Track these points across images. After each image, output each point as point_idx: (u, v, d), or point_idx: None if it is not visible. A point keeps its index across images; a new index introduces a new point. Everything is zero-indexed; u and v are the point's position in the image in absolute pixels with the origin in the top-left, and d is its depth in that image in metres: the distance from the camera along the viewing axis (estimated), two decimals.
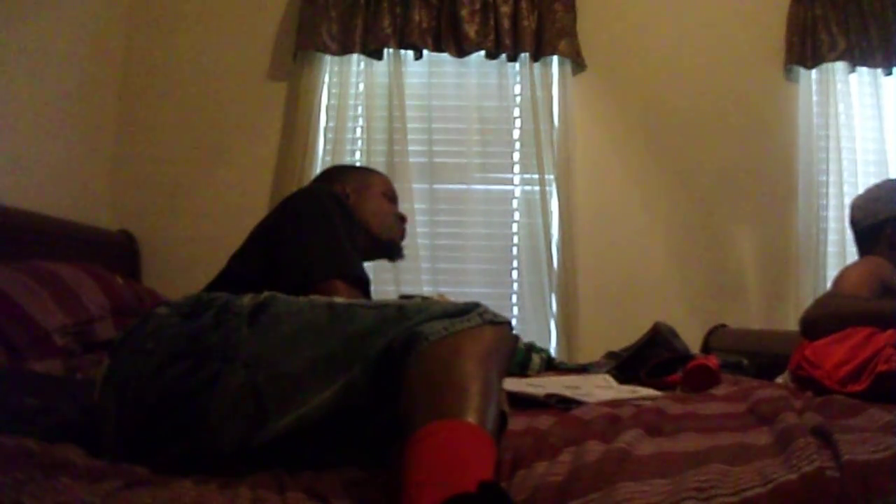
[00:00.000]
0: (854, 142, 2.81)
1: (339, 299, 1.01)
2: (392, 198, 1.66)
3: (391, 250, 1.64)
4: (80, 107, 2.54)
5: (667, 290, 2.80)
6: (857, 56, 2.80)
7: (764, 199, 2.85)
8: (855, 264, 1.93)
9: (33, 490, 0.72)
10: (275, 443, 0.86)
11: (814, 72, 2.82)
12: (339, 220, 1.32)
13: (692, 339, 2.32)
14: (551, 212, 2.73)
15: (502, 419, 0.88)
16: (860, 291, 1.73)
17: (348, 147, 2.78)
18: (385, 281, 2.57)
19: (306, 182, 2.52)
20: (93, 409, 0.96)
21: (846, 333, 1.55)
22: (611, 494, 0.74)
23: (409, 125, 2.75)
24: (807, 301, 2.28)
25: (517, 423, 1.11)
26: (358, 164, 2.71)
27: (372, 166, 2.44)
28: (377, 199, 1.60)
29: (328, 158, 2.72)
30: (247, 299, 0.99)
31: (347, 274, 1.26)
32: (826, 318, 1.65)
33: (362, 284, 1.30)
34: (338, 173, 1.66)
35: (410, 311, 0.91)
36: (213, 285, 1.29)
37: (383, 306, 0.95)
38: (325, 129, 2.77)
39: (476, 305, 0.91)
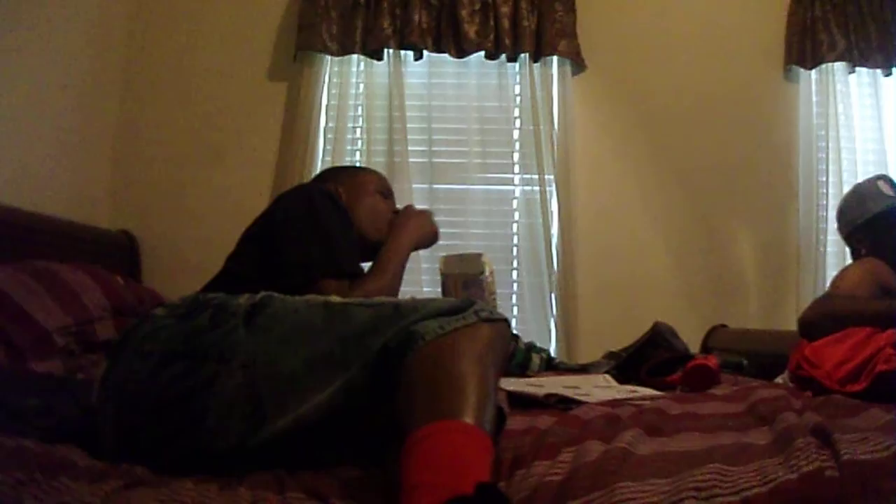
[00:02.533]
0: (854, 142, 2.81)
1: (335, 298, 1.01)
2: (387, 194, 1.64)
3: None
4: (80, 107, 2.54)
5: (667, 290, 2.79)
6: (857, 56, 2.80)
7: (764, 199, 2.85)
8: (853, 265, 1.93)
9: (33, 490, 0.72)
10: (273, 443, 0.86)
11: (813, 72, 2.82)
12: (330, 214, 1.32)
13: (692, 339, 2.32)
14: (551, 212, 2.73)
15: (500, 417, 0.88)
16: (858, 292, 1.73)
17: (348, 147, 2.78)
18: None
19: None
20: (92, 410, 0.96)
21: (845, 333, 1.55)
22: (611, 494, 0.74)
23: (409, 125, 2.75)
24: (807, 301, 2.28)
25: (517, 423, 1.11)
26: (358, 164, 2.71)
27: (372, 166, 2.43)
28: (371, 196, 1.58)
29: (328, 159, 2.72)
30: (243, 299, 0.99)
31: (338, 270, 1.25)
32: (824, 318, 1.66)
33: (354, 278, 1.29)
34: (331, 174, 1.65)
35: (406, 309, 0.91)
36: (210, 285, 1.28)
37: (379, 305, 0.95)
38: (325, 129, 2.77)
39: (472, 303, 0.91)
